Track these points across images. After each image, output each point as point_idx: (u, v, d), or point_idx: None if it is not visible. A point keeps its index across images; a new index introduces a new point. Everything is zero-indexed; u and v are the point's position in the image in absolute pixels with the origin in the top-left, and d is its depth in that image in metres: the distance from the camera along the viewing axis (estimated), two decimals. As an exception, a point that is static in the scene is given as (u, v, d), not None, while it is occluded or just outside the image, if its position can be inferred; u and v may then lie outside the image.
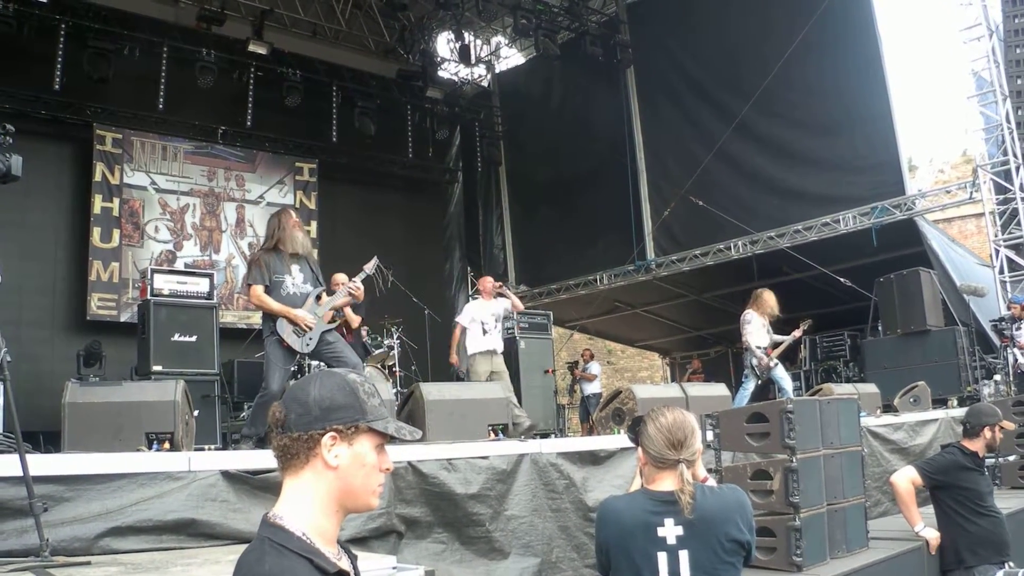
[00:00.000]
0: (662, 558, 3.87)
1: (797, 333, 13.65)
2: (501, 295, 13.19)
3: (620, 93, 21.17)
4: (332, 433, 2.24)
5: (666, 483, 3.97)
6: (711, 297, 21.71)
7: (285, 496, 2.29)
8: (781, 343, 13.32)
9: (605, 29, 20.98)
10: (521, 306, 13.55)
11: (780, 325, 13.53)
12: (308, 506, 2.26)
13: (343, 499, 2.29)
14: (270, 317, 8.23)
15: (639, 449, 4.13)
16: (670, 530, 3.89)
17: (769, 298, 13.24)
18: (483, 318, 13.01)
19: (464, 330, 13.17)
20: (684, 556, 3.86)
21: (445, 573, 6.13)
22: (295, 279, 8.36)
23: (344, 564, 2.29)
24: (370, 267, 8.99)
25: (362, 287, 8.68)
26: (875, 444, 10.15)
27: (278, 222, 8.50)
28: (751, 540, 3.96)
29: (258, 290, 8.21)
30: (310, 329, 8.22)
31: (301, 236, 8.48)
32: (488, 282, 13.40)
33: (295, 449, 2.26)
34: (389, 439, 2.33)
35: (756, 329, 13.10)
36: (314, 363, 11.18)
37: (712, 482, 4.27)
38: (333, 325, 8.60)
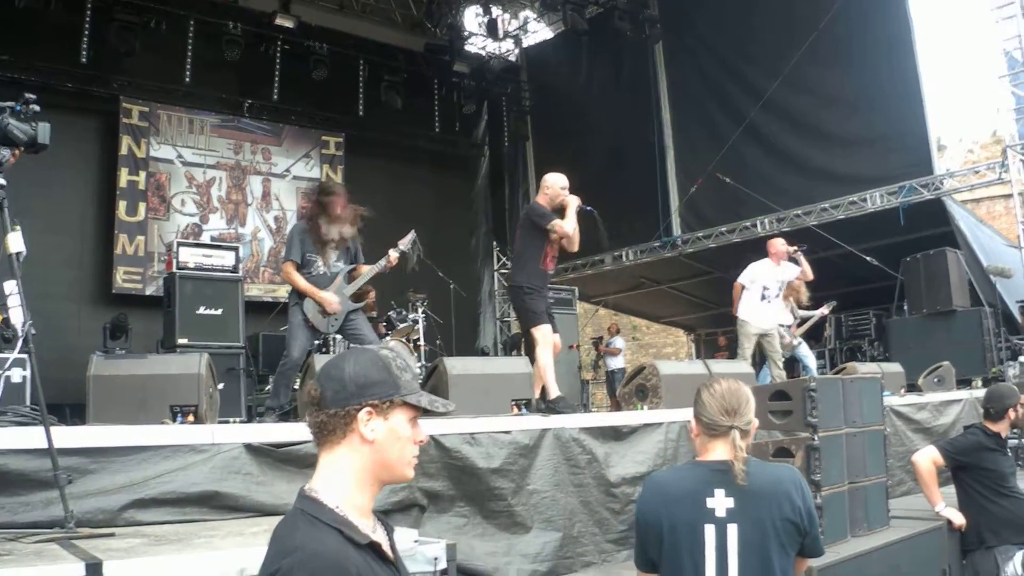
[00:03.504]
0: (709, 531, 3.74)
1: (825, 311, 13.64)
2: (794, 260, 12.65)
3: (648, 69, 21.03)
4: (368, 408, 2.34)
5: (718, 452, 3.87)
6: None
7: (321, 470, 2.39)
8: (807, 320, 13.29)
9: (634, 4, 20.77)
10: (810, 275, 12.80)
11: (805, 303, 13.51)
12: (343, 480, 2.35)
13: (379, 472, 2.39)
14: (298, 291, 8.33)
15: (692, 421, 4.04)
16: (720, 501, 3.76)
17: (797, 282, 13.19)
18: (765, 282, 12.50)
19: (743, 290, 12.62)
20: (733, 531, 3.72)
21: (466, 547, 6.15)
22: (328, 258, 8.42)
23: (378, 536, 2.37)
24: (405, 243, 8.93)
25: (395, 260, 8.69)
26: (898, 423, 10.14)
27: (323, 201, 8.49)
28: (809, 527, 3.80)
29: (289, 267, 8.35)
30: (335, 312, 8.30)
31: (345, 229, 8.48)
32: (779, 244, 12.74)
33: (332, 425, 2.36)
34: (423, 412, 2.44)
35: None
36: (339, 337, 11.23)
37: None
38: (360, 305, 8.65)
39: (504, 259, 24.64)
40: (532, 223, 9.12)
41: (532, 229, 9.12)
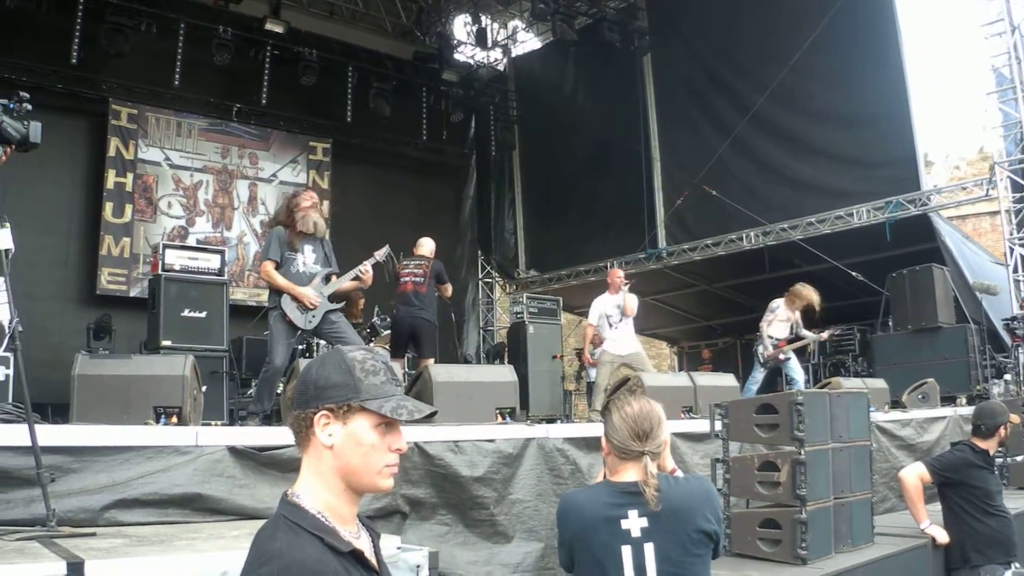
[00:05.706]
0: (626, 551, 3.75)
1: (823, 336, 13.67)
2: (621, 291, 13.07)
3: (636, 80, 21.06)
4: (324, 412, 2.25)
5: (629, 474, 3.86)
6: (722, 287, 21.64)
7: (301, 474, 2.32)
8: (799, 340, 13.31)
9: (623, 15, 20.82)
10: (631, 312, 13.00)
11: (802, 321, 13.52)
12: (318, 485, 2.27)
13: (346, 478, 2.28)
14: (276, 292, 8.38)
15: (603, 439, 4.03)
16: (634, 522, 3.76)
17: (803, 292, 13.19)
18: (607, 311, 12.94)
19: (596, 328, 13.24)
20: (649, 549, 3.74)
21: (448, 555, 6.13)
22: (306, 259, 8.49)
23: (362, 543, 2.30)
24: (381, 255, 9.17)
25: (371, 272, 8.78)
26: (883, 440, 10.13)
27: (296, 202, 8.63)
28: (719, 531, 3.86)
29: (268, 266, 8.40)
30: (314, 307, 8.30)
31: (316, 217, 8.60)
32: (617, 275, 13.21)
33: (298, 427, 2.30)
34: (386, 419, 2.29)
35: (778, 319, 13.12)
36: (321, 343, 11.23)
37: (680, 473, 4.19)
38: (338, 306, 8.66)
39: (488, 268, 24.68)
40: (439, 277, 12.12)
41: (437, 281, 12.03)
